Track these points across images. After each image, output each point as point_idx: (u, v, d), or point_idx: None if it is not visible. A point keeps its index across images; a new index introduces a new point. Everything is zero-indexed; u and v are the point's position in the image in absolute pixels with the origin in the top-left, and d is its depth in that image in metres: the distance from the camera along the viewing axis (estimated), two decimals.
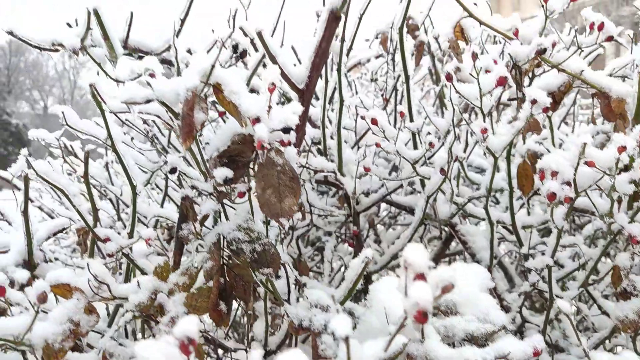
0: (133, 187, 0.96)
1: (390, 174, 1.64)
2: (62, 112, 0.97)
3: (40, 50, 0.96)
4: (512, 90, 1.17)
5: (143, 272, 1.02)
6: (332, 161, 1.33)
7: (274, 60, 0.95)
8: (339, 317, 0.47)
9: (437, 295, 0.65)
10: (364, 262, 0.84)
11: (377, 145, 1.15)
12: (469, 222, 1.52)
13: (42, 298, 0.69)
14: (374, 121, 1.12)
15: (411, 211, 1.49)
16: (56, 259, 1.81)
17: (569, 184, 0.86)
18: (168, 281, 0.86)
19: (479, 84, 0.97)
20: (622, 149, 0.86)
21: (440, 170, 1.09)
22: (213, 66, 0.64)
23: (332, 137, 1.36)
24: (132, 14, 1.06)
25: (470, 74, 1.00)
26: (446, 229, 1.47)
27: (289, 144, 0.71)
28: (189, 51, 1.21)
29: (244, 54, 0.88)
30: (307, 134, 1.32)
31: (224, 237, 0.81)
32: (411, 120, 1.29)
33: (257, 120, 0.65)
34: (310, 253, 1.74)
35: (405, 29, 1.38)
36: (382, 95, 1.79)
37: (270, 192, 0.70)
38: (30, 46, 0.96)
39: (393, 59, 1.68)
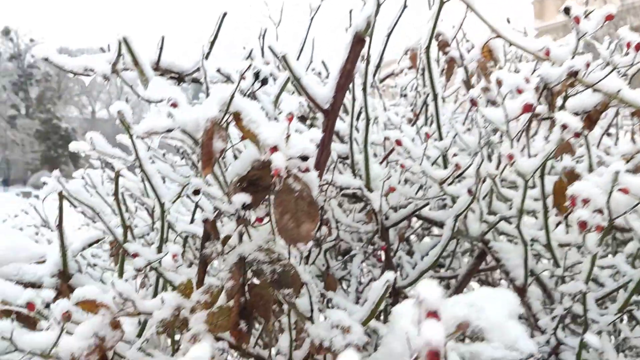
0: (161, 206, 0.98)
1: (417, 192, 1.62)
2: (91, 138, 1.01)
3: (74, 75, 1.00)
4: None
5: (172, 285, 1.04)
6: (360, 176, 1.32)
7: (298, 81, 0.95)
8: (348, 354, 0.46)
9: (451, 333, 0.63)
10: (385, 286, 0.83)
11: (402, 166, 1.13)
12: (505, 237, 1.48)
13: (67, 317, 0.72)
14: (398, 143, 1.10)
15: (442, 225, 1.46)
16: (95, 264, 1.87)
17: (600, 211, 0.82)
18: (191, 299, 0.87)
19: (504, 111, 0.94)
20: None
21: (468, 191, 1.07)
22: (233, 96, 0.65)
23: (360, 152, 1.35)
24: (163, 38, 1.09)
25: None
26: (479, 244, 1.44)
27: (307, 170, 0.71)
28: (218, 70, 1.22)
29: (265, 82, 0.90)
30: (336, 149, 1.31)
31: (245, 258, 0.82)
32: (440, 138, 1.27)
33: (274, 149, 0.65)
34: (339, 265, 1.73)
35: (436, 45, 1.36)
36: (412, 110, 1.76)
37: (287, 217, 0.70)
38: (64, 71, 1.00)
39: (423, 75, 1.65)
